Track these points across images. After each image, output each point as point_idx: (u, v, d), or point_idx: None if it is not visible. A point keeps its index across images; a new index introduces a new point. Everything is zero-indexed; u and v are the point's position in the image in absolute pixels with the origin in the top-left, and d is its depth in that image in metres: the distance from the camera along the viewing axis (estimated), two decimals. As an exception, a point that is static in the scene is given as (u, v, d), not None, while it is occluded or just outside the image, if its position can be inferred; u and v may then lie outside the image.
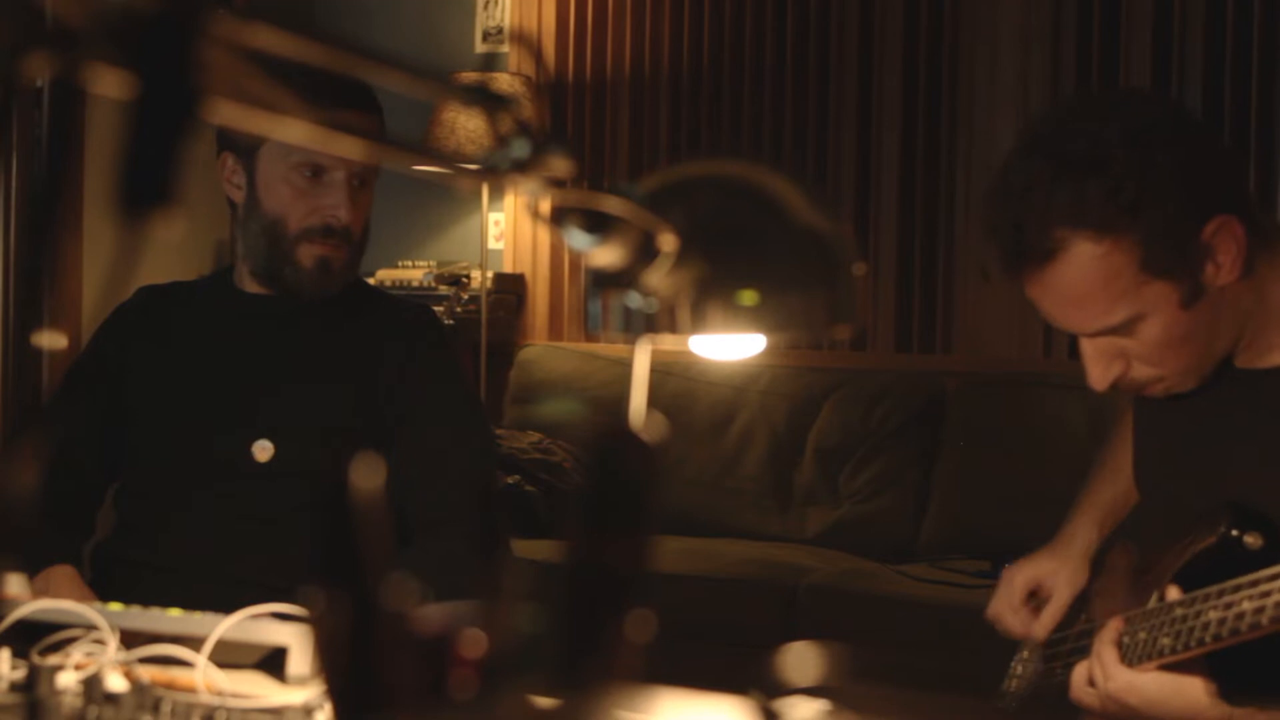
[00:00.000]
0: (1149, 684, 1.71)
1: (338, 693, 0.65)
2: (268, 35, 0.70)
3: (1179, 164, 1.68)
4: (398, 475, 2.26)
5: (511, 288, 5.67)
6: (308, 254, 2.33)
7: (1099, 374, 1.76)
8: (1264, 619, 1.54)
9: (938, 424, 4.80)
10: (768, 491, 4.86)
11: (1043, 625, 2.11)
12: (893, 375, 4.94)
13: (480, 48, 5.89)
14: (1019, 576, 2.15)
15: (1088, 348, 1.76)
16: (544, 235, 5.63)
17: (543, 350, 5.44)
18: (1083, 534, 2.13)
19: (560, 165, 0.84)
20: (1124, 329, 1.71)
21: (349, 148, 0.80)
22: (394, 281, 5.56)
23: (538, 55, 5.69)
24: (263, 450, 2.32)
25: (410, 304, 2.56)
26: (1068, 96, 4.65)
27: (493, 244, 5.73)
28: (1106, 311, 1.70)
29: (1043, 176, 1.69)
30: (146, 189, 0.57)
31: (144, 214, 0.58)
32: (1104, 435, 2.23)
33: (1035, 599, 2.14)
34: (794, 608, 4.16)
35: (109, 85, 0.62)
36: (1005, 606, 2.15)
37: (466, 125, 5.20)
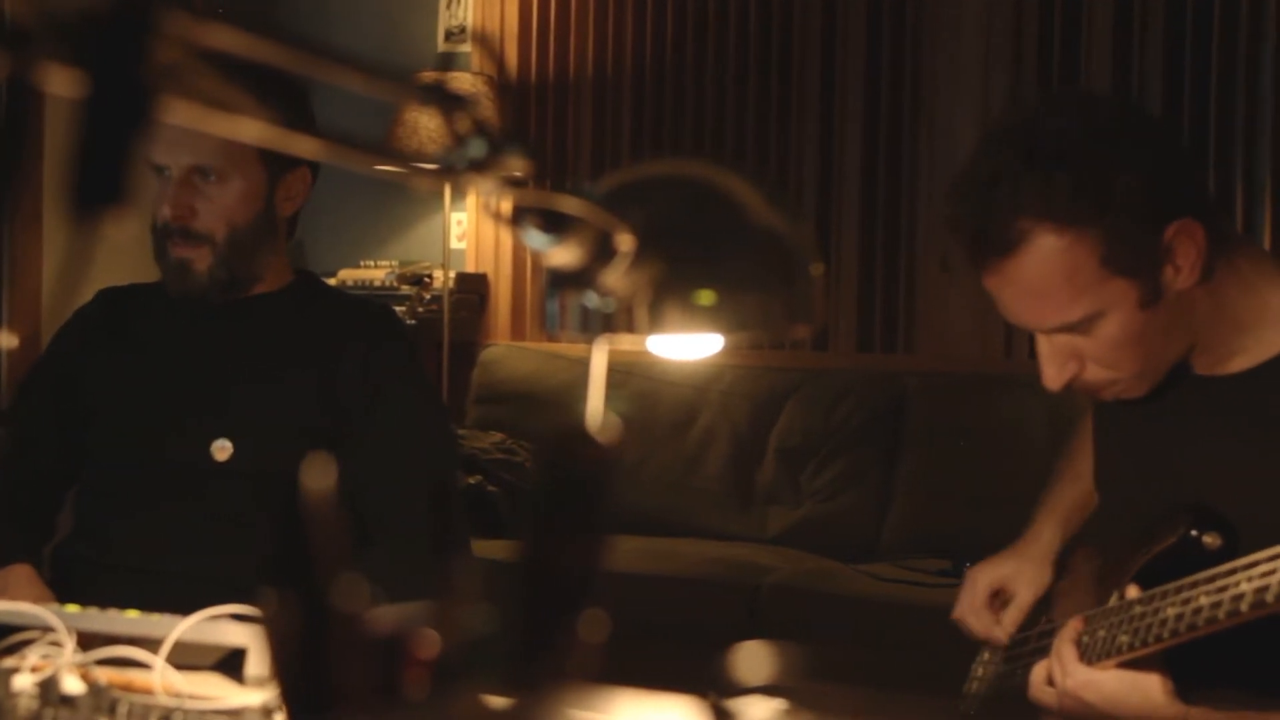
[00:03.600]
0: (1107, 681, 1.71)
1: (291, 693, 0.65)
2: (223, 34, 0.69)
3: (1144, 164, 1.69)
4: (358, 476, 2.26)
5: (474, 288, 5.66)
6: (171, 254, 2.34)
7: (1054, 373, 1.77)
8: (1220, 614, 1.56)
9: (899, 423, 4.81)
10: (730, 491, 4.87)
11: (1004, 628, 2.12)
12: (855, 375, 4.95)
13: (443, 46, 5.88)
14: (982, 578, 2.16)
15: (1044, 346, 1.77)
16: (506, 235, 5.62)
17: (505, 350, 5.43)
18: (1047, 534, 2.14)
19: (517, 165, 0.84)
20: (1082, 327, 1.72)
21: (305, 147, 0.80)
22: (356, 281, 5.54)
23: (500, 56, 5.68)
24: (222, 450, 2.31)
25: (372, 304, 2.56)
26: (1033, 96, 4.68)
27: (455, 244, 5.72)
28: (1066, 307, 1.71)
29: (1009, 167, 1.69)
30: (98, 188, 0.57)
31: (95, 213, 0.58)
32: (1064, 434, 2.24)
33: (999, 599, 2.15)
34: (756, 607, 4.16)
35: (62, 84, 0.62)
36: (968, 608, 2.16)
37: (429, 125, 5.19)
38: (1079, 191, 1.67)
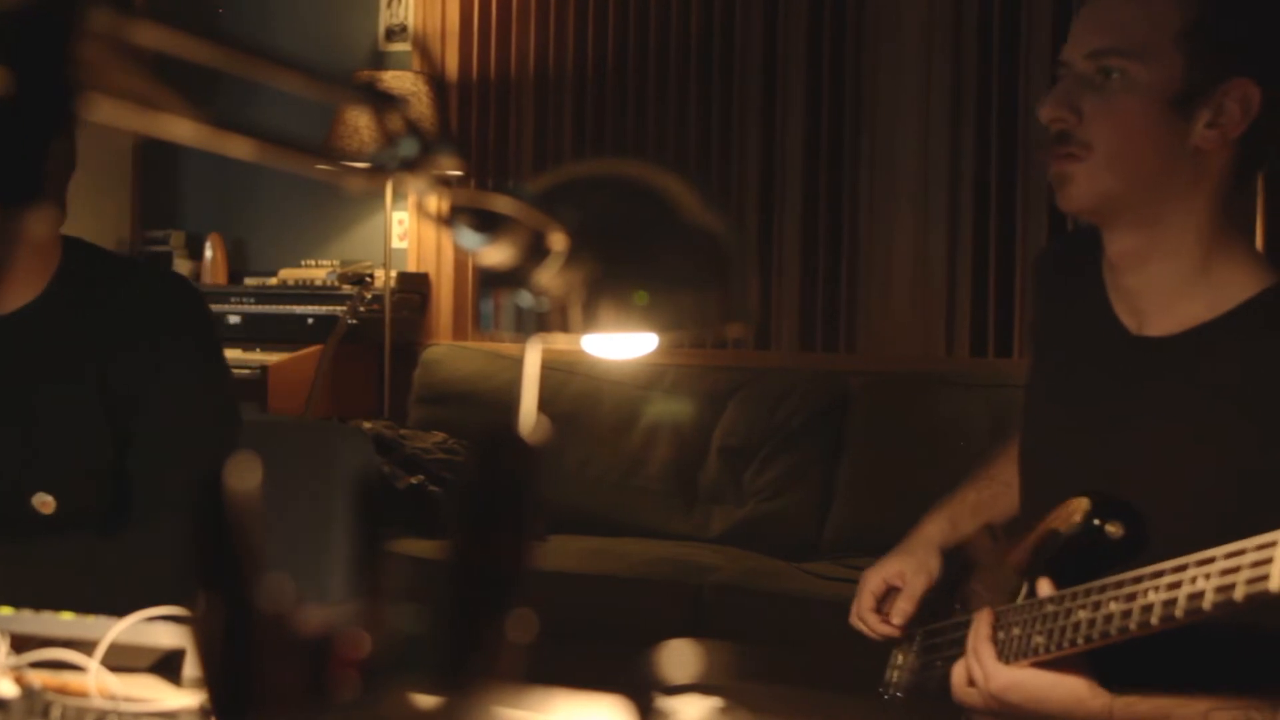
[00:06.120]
0: (1028, 680, 1.71)
1: (216, 695, 0.64)
2: (151, 32, 0.69)
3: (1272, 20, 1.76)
4: (137, 459, 2.16)
5: (415, 287, 5.65)
6: None
7: (1052, 103, 1.79)
8: (1131, 624, 1.55)
9: (841, 422, 4.83)
10: (673, 490, 4.87)
11: (897, 614, 2.13)
12: (796, 374, 4.97)
13: (384, 45, 5.86)
14: (871, 580, 2.17)
15: (1061, 84, 1.80)
16: (448, 235, 5.61)
17: (447, 350, 5.42)
18: (932, 527, 2.17)
19: (449, 164, 0.84)
20: (1115, 61, 1.75)
21: (238, 147, 0.79)
22: (297, 281, 5.53)
23: (441, 57, 5.66)
24: (44, 504, 2.15)
25: (147, 291, 2.26)
26: None
27: (397, 243, 5.71)
28: (1126, 29, 1.74)
29: None
30: (15, 186, 0.57)
31: (13, 212, 0.57)
32: (1005, 433, 2.25)
33: (892, 597, 2.16)
34: (699, 606, 4.17)
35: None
36: (857, 612, 2.17)
37: (369, 125, 5.17)
38: None
